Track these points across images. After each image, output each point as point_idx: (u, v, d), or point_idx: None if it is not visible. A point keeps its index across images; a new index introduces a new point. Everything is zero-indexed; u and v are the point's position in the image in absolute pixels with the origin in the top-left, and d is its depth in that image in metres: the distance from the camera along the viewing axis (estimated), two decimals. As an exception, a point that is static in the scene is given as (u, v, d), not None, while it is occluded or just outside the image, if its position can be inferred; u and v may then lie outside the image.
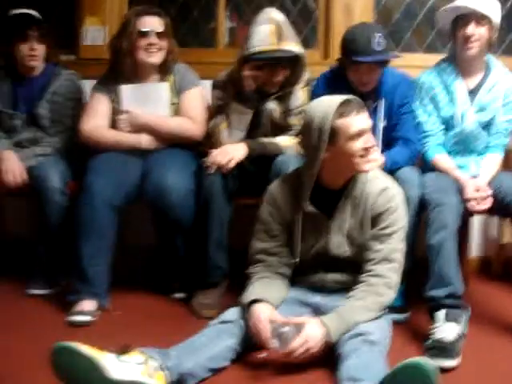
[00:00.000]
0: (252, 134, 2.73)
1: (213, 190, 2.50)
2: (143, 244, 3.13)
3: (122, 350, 1.80)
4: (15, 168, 2.71)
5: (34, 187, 2.68)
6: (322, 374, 1.98)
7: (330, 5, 3.39)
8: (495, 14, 2.54)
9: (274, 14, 2.67)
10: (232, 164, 2.50)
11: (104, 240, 2.53)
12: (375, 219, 2.12)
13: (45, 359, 1.78)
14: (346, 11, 3.34)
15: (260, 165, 2.59)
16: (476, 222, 3.23)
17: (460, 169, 2.59)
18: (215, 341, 1.98)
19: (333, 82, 2.72)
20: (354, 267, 2.16)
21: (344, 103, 2.05)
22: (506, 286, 3.00)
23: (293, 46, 2.64)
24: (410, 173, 2.50)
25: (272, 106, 2.73)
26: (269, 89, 2.70)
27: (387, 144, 2.68)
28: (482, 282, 3.12)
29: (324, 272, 2.23)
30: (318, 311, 2.14)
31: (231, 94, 2.71)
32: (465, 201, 2.44)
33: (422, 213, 2.43)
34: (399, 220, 2.13)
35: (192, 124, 2.78)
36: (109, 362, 1.72)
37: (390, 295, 2.08)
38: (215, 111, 2.77)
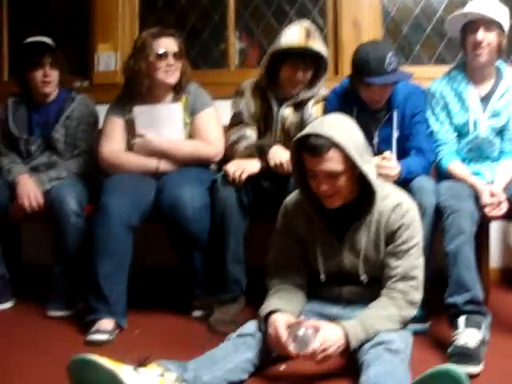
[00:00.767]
0: (263, 136, 2.80)
1: (227, 204, 2.51)
2: (163, 266, 3.17)
3: (140, 362, 1.79)
4: (31, 192, 2.75)
5: (51, 211, 2.70)
6: (344, 384, 1.96)
7: (339, 21, 3.43)
8: (504, 19, 2.55)
9: (303, 22, 2.75)
10: (244, 176, 2.52)
11: (120, 259, 2.54)
12: (390, 236, 2.10)
13: (64, 377, 1.78)
14: (355, 27, 3.38)
15: (277, 182, 2.59)
16: (495, 231, 3.20)
17: (475, 176, 2.58)
18: (233, 354, 1.96)
19: (344, 98, 2.74)
20: (370, 281, 2.16)
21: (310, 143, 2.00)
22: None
23: (320, 47, 2.68)
24: (424, 181, 2.49)
25: (287, 112, 2.77)
26: (289, 89, 2.74)
27: (401, 154, 2.67)
28: (503, 292, 3.08)
29: (339, 285, 2.22)
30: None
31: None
32: (481, 207, 2.43)
33: (438, 221, 2.41)
34: (415, 235, 2.10)
35: (207, 146, 2.80)
36: (127, 374, 1.72)
37: (411, 311, 2.06)
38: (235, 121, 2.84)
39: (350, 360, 2.01)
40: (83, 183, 2.84)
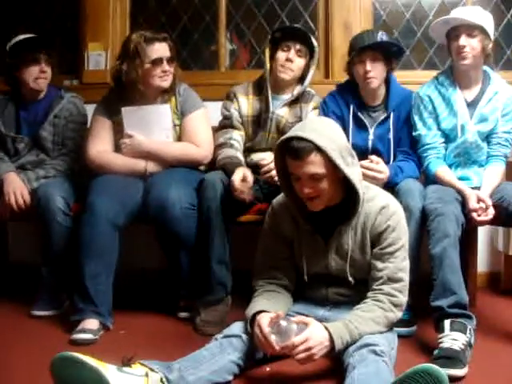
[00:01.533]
0: (255, 136, 2.83)
1: (213, 204, 2.50)
2: (150, 267, 3.16)
3: (124, 362, 1.78)
4: (18, 190, 2.73)
5: (37, 209, 2.69)
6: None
7: (330, 24, 3.44)
8: (487, 24, 2.56)
9: None
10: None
11: (107, 259, 2.53)
12: (376, 238, 2.11)
13: (48, 376, 1.77)
14: (346, 30, 3.39)
15: (269, 191, 2.62)
16: (482, 235, 3.22)
17: (462, 181, 2.59)
18: (218, 355, 1.96)
19: (341, 97, 2.81)
20: (356, 282, 2.16)
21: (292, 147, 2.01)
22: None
23: (312, 38, 2.80)
24: (411, 184, 2.51)
25: (282, 112, 2.81)
26: (282, 75, 2.77)
27: (394, 156, 2.74)
28: (490, 296, 3.09)
29: (326, 287, 2.22)
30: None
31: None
32: (468, 212, 2.43)
33: (424, 224, 2.41)
34: (401, 238, 2.11)
35: (196, 149, 2.79)
36: (110, 373, 1.71)
37: (396, 314, 2.06)
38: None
39: (336, 362, 2.01)
40: (70, 182, 2.82)
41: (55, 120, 2.92)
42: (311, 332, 1.90)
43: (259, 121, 2.83)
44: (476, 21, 2.53)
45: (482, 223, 2.50)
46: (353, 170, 2.03)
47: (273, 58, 2.80)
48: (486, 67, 2.69)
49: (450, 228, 2.28)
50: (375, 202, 2.12)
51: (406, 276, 2.10)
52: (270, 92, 2.81)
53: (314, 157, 1.96)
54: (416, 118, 2.71)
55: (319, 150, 1.95)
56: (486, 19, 2.57)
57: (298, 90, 2.84)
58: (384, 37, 2.65)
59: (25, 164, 2.90)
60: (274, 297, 2.14)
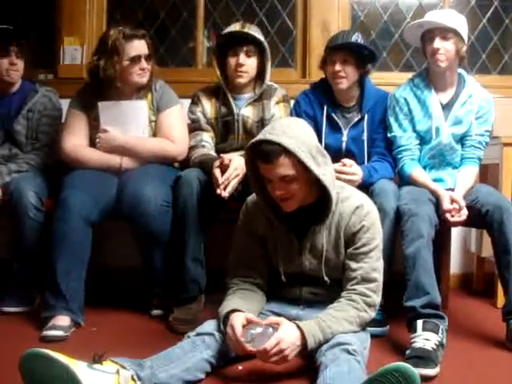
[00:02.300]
0: (225, 139, 2.82)
1: (188, 202, 2.49)
2: (124, 265, 3.14)
3: (95, 359, 1.76)
4: (-11, 184, 2.69)
5: (9, 204, 2.65)
6: (301, 385, 1.96)
7: (308, 24, 3.45)
8: (461, 27, 2.59)
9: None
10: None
11: (79, 256, 2.50)
12: (350, 238, 2.11)
13: (16, 373, 1.73)
14: (324, 30, 3.40)
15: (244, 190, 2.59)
16: (455, 237, 3.25)
17: (436, 182, 2.61)
18: (190, 353, 1.94)
19: (315, 97, 2.80)
20: (330, 282, 2.16)
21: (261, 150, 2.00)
22: (487, 301, 3.01)
23: (256, 33, 2.75)
24: (386, 185, 2.52)
25: (247, 112, 2.80)
26: (238, 80, 2.76)
27: (368, 157, 2.75)
28: (462, 297, 3.13)
29: (300, 286, 2.22)
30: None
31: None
32: (442, 213, 2.45)
33: (398, 224, 2.43)
34: (375, 238, 2.11)
35: (172, 144, 2.78)
36: (81, 370, 1.68)
37: (370, 313, 2.07)
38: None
39: (308, 361, 2.01)
40: (44, 177, 2.79)
41: (29, 114, 2.88)
42: (283, 333, 1.89)
43: (226, 123, 2.82)
44: (450, 24, 2.55)
45: (456, 224, 2.52)
46: (324, 169, 2.02)
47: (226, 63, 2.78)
48: (460, 70, 2.72)
49: (424, 229, 2.30)
50: (350, 202, 2.12)
51: (379, 276, 2.11)
52: (229, 96, 2.80)
53: (284, 159, 1.96)
54: (391, 119, 2.72)
55: (288, 152, 1.95)
56: (459, 22, 2.60)
57: (259, 88, 2.82)
58: (359, 39, 2.65)
59: (-3, 158, 2.86)
60: (247, 295, 2.13)
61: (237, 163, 2.44)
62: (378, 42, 3.58)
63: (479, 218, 2.43)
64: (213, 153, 2.73)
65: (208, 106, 2.83)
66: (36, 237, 2.66)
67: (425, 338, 2.11)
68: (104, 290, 3.01)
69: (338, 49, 2.65)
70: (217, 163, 2.48)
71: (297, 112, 2.80)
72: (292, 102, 2.90)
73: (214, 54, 2.82)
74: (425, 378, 1.93)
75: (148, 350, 1.97)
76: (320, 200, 2.09)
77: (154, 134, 2.81)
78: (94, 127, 2.78)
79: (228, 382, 1.97)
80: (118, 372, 1.74)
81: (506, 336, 2.32)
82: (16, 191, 2.64)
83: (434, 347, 2.08)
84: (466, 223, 2.50)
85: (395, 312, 2.40)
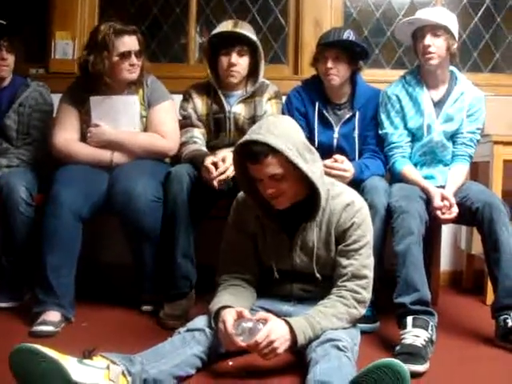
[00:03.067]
0: (217, 136, 2.81)
1: (179, 197, 2.48)
2: (115, 261, 3.15)
3: (85, 354, 1.75)
4: (-20, 179, 2.67)
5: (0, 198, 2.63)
6: (291, 380, 1.95)
7: (300, 21, 3.45)
8: (451, 24, 2.60)
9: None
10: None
11: (70, 251, 2.49)
12: (341, 235, 2.11)
13: (6, 368, 1.73)
14: (316, 27, 3.40)
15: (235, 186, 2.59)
16: (446, 234, 3.26)
17: (427, 179, 2.62)
18: (181, 348, 1.94)
19: (306, 94, 2.80)
20: (321, 279, 2.16)
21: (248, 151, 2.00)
22: (476, 298, 3.03)
23: (248, 33, 2.72)
24: (377, 182, 2.53)
25: (238, 109, 2.79)
26: (229, 79, 2.76)
27: (359, 154, 2.76)
28: (452, 294, 3.14)
29: (290, 283, 2.22)
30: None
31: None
32: (432, 210, 2.46)
33: (388, 221, 2.43)
34: (365, 235, 2.12)
35: (163, 140, 2.77)
36: (71, 365, 1.67)
37: (360, 310, 2.07)
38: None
39: (299, 357, 2.01)
40: (34, 172, 2.78)
41: (20, 108, 2.87)
42: (272, 326, 1.90)
43: (217, 120, 2.82)
44: (440, 21, 2.56)
45: (446, 221, 2.53)
46: (313, 166, 2.02)
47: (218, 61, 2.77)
48: (452, 68, 2.73)
49: (414, 225, 2.31)
50: (340, 199, 2.12)
51: (370, 273, 2.11)
52: (220, 94, 2.79)
53: (271, 159, 1.96)
54: (383, 116, 2.73)
55: (275, 151, 1.95)
56: (450, 19, 2.61)
57: (251, 86, 2.82)
58: (351, 36, 2.64)
59: (-13, 153, 2.84)
60: (238, 291, 2.13)
61: (230, 159, 2.44)
62: (370, 39, 3.59)
63: (469, 215, 2.44)
64: (204, 149, 2.72)
65: (199, 103, 2.83)
66: (26, 232, 2.64)
67: (414, 335, 2.12)
68: (94, 285, 3.01)
69: (330, 46, 2.65)
70: (209, 159, 2.47)
71: (288, 108, 2.80)
72: (284, 98, 2.89)
73: (206, 52, 2.80)
74: (414, 374, 1.93)
75: (138, 346, 1.97)
76: (310, 197, 2.09)
77: (145, 130, 2.81)
78: (86, 122, 2.77)
79: (218, 377, 1.97)
80: (108, 367, 1.73)
81: (495, 333, 2.33)
82: (6, 186, 2.62)
83: (424, 343, 2.09)
84: (456, 220, 2.52)
85: (385, 308, 2.41)
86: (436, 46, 2.57)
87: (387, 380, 1.67)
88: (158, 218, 2.56)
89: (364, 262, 2.10)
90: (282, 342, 1.89)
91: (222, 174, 2.43)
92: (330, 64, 2.65)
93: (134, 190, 2.51)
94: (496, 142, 2.88)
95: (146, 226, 2.54)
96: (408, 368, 1.73)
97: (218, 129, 2.82)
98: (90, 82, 2.75)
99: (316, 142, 2.72)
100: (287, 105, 2.83)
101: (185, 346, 1.95)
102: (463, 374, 2.05)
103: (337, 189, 2.15)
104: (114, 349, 1.88)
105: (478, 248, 2.95)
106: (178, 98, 2.95)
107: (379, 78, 3.31)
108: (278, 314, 2.06)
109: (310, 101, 2.78)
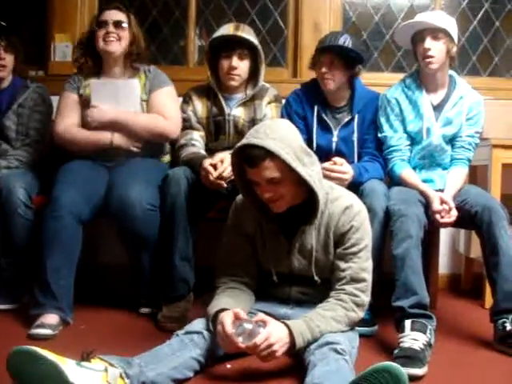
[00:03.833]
0: (216, 139, 2.81)
1: (177, 200, 2.48)
2: (113, 263, 3.14)
3: (84, 356, 1.75)
4: (-21, 181, 2.67)
5: (-2, 200, 2.63)
6: (289, 383, 1.95)
7: (299, 24, 3.45)
8: (450, 28, 2.60)
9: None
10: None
11: (70, 253, 2.48)
12: (340, 238, 2.11)
13: (5, 372, 1.73)
14: (315, 30, 3.40)
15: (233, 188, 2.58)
16: (444, 238, 3.26)
17: (426, 183, 2.62)
18: (179, 351, 1.94)
19: (305, 97, 2.80)
20: (320, 282, 2.16)
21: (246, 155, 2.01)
22: (475, 301, 3.03)
23: (249, 36, 2.73)
24: (376, 185, 2.52)
25: (238, 112, 2.79)
26: (230, 82, 2.76)
27: (358, 157, 2.76)
28: (451, 298, 3.14)
29: (289, 286, 2.22)
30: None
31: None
32: (431, 214, 2.46)
33: (387, 225, 2.43)
34: (364, 238, 2.12)
35: (165, 120, 2.76)
36: (69, 367, 1.67)
37: (359, 314, 2.07)
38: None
39: (297, 360, 2.01)
40: (33, 173, 2.78)
41: (19, 109, 2.88)
42: (271, 329, 1.89)
43: (217, 123, 2.82)
44: (440, 24, 2.57)
45: (445, 225, 2.53)
46: (311, 169, 2.02)
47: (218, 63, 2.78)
48: (451, 72, 2.73)
49: (413, 229, 2.31)
50: (339, 202, 2.12)
51: (368, 276, 2.11)
52: (220, 96, 2.80)
53: (269, 163, 1.96)
54: (382, 120, 2.73)
55: (273, 154, 1.95)
56: (449, 23, 2.61)
57: (251, 89, 2.83)
58: (347, 41, 2.63)
59: (-14, 154, 2.84)
60: (236, 294, 2.13)
61: (229, 160, 2.44)
62: (369, 42, 3.59)
63: (468, 218, 2.44)
64: (202, 151, 2.72)
65: (199, 106, 2.83)
66: (25, 234, 2.64)
67: (413, 338, 2.12)
68: (92, 286, 3.00)
69: (326, 51, 2.65)
70: (208, 161, 2.47)
71: (287, 112, 2.80)
72: (283, 101, 2.89)
73: (206, 55, 2.81)
74: (412, 378, 1.93)
75: (137, 348, 1.96)
76: (308, 200, 2.10)
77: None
78: (86, 107, 2.77)
79: (216, 380, 1.97)
80: (106, 370, 1.73)
81: (493, 336, 2.33)
82: (5, 188, 2.62)
83: (422, 347, 2.09)
84: (455, 224, 2.52)
85: (384, 312, 2.41)
86: (436, 49, 2.57)
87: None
88: (155, 225, 2.55)
89: (363, 265, 2.10)
90: (280, 345, 1.89)
91: (221, 174, 2.42)
92: (324, 69, 2.66)
93: (129, 198, 2.49)
94: (495, 146, 2.89)
95: (142, 233, 2.53)
96: (406, 371, 1.74)
97: (217, 131, 2.82)
98: (81, 62, 2.81)
99: (314, 146, 2.72)
100: (286, 108, 2.83)
101: (183, 349, 1.95)
102: (462, 377, 2.05)
103: (335, 192, 2.15)
104: (112, 351, 1.88)
105: (476, 251, 2.96)
106: (178, 100, 2.94)
107: (378, 81, 3.31)
108: (276, 317, 2.05)
109: (309, 104, 2.78)
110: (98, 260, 3.25)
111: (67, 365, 1.68)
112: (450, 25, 2.60)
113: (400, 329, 2.21)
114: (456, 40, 2.63)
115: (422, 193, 2.54)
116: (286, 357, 2.01)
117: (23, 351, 1.69)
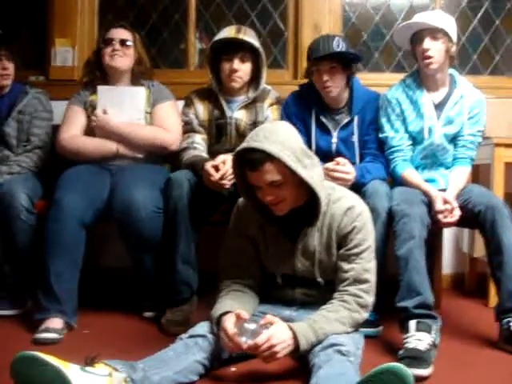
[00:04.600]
0: (218, 141, 2.80)
1: (179, 203, 2.47)
2: (116, 266, 3.14)
3: (88, 361, 1.75)
4: (-19, 186, 2.67)
5: (0, 206, 2.63)
6: (294, 386, 1.96)
7: (299, 26, 3.45)
8: (449, 27, 2.60)
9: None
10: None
11: (73, 257, 2.49)
12: (342, 239, 2.10)
13: (7, 376, 1.72)
14: (315, 31, 3.40)
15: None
16: (447, 237, 3.25)
17: (428, 183, 2.61)
18: (184, 355, 1.94)
19: (303, 99, 2.78)
20: (324, 283, 2.16)
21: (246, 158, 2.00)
22: (479, 301, 3.02)
23: (251, 39, 2.73)
24: (378, 185, 2.51)
25: (239, 115, 2.78)
26: (231, 84, 2.76)
27: (360, 158, 2.74)
28: (455, 297, 3.13)
29: (293, 288, 2.22)
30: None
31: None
32: (434, 214, 2.46)
33: (390, 225, 2.43)
34: (367, 239, 2.11)
35: (166, 132, 2.80)
36: (73, 372, 1.67)
37: (363, 314, 2.06)
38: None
39: (301, 362, 2.00)
40: (35, 179, 2.78)
41: (19, 116, 2.89)
42: (274, 330, 1.89)
43: (218, 126, 2.82)
44: (439, 24, 2.56)
45: (448, 225, 2.52)
46: (312, 171, 2.01)
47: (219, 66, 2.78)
48: (452, 71, 2.72)
49: (416, 229, 2.30)
50: (341, 203, 2.11)
51: (372, 277, 2.10)
52: (221, 99, 2.80)
53: (269, 166, 1.95)
54: (383, 120, 2.72)
55: (273, 157, 1.94)
56: (448, 22, 2.61)
57: (253, 92, 2.82)
58: (340, 44, 2.60)
59: (-13, 160, 2.85)
60: (239, 297, 2.13)
61: (230, 162, 2.44)
62: (369, 43, 3.59)
63: (471, 218, 2.43)
64: (204, 154, 2.72)
65: (201, 108, 2.83)
66: (27, 239, 2.64)
67: (417, 339, 2.11)
68: (95, 290, 3.00)
69: (323, 58, 2.62)
70: (210, 163, 2.47)
71: (286, 113, 2.79)
72: (283, 103, 2.89)
73: (208, 57, 2.82)
74: (418, 379, 1.93)
75: (141, 352, 1.96)
76: (310, 202, 2.09)
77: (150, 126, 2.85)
78: (92, 111, 2.82)
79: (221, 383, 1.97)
80: (110, 374, 1.73)
81: (498, 336, 2.32)
82: (7, 193, 2.62)
83: (427, 347, 2.08)
84: (458, 223, 2.51)
85: (388, 313, 2.40)
86: (435, 49, 2.56)
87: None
88: (159, 227, 2.55)
89: (366, 266, 2.09)
90: (283, 347, 1.88)
91: (223, 175, 2.42)
92: (325, 77, 2.62)
93: (134, 201, 2.51)
94: (497, 145, 2.88)
95: (146, 236, 2.54)
96: (412, 372, 1.73)
97: (219, 134, 2.82)
98: (88, 78, 2.88)
99: (314, 147, 2.71)
100: (285, 110, 2.81)
101: (187, 353, 1.94)
102: (467, 377, 2.05)
103: (337, 193, 2.15)
104: (116, 356, 1.88)
105: (480, 251, 2.95)
106: (180, 104, 2.95)
107: (379, 81, 3.31)
108: (280, 319, 2.05)
109: (307, 106, 2.76)
110: (101, 264, 3.25)
111: (71, 370, 1.68)
112: (449, 24, 2.60)
113: (404, 329, 2.20)
114: (455, 39, 2.62)
115: (424, 193, 2.53)
116: (290, 359, 2.00)
117: (27, 357, 1.69)
